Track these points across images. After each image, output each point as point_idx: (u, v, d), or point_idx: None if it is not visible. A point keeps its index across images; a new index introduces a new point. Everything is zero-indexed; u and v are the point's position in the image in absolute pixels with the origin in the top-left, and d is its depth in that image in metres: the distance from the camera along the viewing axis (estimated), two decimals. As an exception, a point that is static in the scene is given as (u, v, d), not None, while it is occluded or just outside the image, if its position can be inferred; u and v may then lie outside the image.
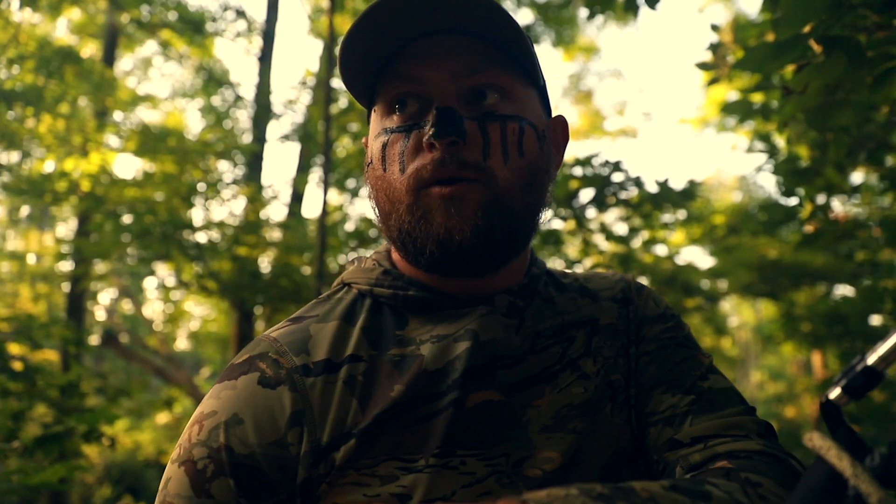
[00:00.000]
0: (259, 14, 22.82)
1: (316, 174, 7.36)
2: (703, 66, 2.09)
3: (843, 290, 5.83)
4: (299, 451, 0.60)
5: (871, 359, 0.43)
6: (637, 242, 5.40)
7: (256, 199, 5.85)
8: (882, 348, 0.43)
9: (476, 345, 0.65)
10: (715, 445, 0.60)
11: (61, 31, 10.56)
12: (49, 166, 6.60)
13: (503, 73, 0.65)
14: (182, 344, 14.45)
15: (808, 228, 2.85)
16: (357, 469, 0.59)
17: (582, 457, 0.63)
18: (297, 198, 7.25)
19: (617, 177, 4.63)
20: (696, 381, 0.67)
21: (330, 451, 0.60)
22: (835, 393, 0.44)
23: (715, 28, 2.11)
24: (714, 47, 2.06)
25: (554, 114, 0.76)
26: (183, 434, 0.62)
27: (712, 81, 2.08)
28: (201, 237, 5.44)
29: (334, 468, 0.59)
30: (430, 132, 0.61)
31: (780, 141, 2.86)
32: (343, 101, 6.39)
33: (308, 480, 0.59)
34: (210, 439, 0.60)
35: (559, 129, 0.75)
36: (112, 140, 6.24)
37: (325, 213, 3.95)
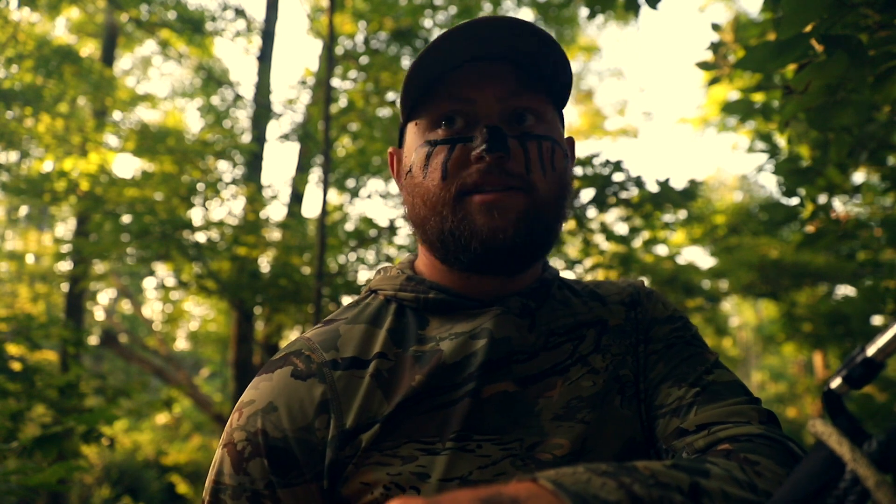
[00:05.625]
0: (258, 13, 22.85)
1: (315, 174, 7.36)
2: (703, 65, 2.08)
3: (845, 291, 5.83)
4: (326, 436, 0.66)
5: (871, 350, 0.45)
6: (637, 242, 5.39)
7: (256, 199, 5.84)
8: (881, 340, 0.44)
9: (491, 341, 0.71)
10: (718, 431, 0.63)
11: (60, 30, 10.57)
12: (48, 166, 6.59)
13: (537, 98, 0.73)
14: (181, 344, 14.45)
15: (810, 228, 2.84)
16: (380, 451, 0.66)
17: (591, 445, 0.68)
18: (296, 198, 7.24)
19: (617, 176, 4.62)
20: (701, 374, 0.72)
21: (356, 435, 0.66)
22: (836, 382, 0.46)
23: (716, 27, 2.10)
24: (715, 46, 2.06)
25: None
26: (228, 421, 0.70)
27: (713, 81, 2.07)
28: (200, 237, 5.43)
29: (360, 450, 0.66)
30: (483, 147, 0.68)
31: (781, 140, 2.85)
32: (343, 101, 6.39)
33: (335, 461, 0.66)
34: (248, 424, 0.67)
35: (571, 149, 0.83)
36: (111, 140, 6.24)
37: (324, 212, 3.95)
